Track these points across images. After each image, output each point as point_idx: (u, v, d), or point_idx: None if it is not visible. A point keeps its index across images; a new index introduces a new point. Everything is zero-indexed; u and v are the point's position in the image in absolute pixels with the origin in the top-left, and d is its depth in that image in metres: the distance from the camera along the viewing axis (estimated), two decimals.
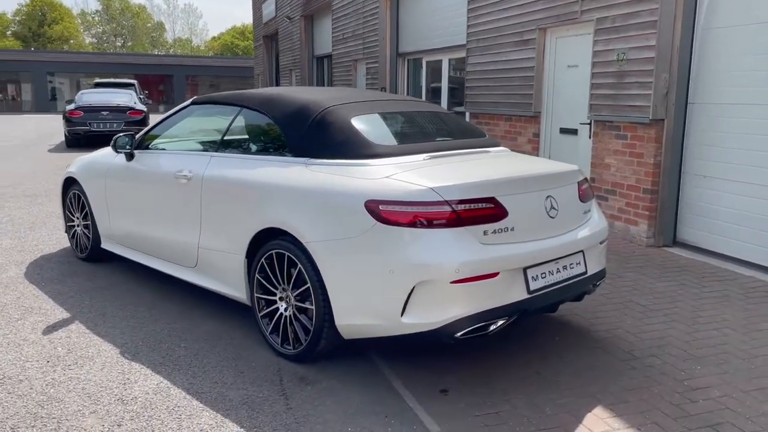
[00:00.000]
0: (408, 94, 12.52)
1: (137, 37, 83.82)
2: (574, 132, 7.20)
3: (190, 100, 4.73)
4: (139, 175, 4.66)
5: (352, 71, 14.58)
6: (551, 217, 3.39)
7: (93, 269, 5.22)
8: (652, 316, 4.24)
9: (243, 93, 4.35)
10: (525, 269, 3.21)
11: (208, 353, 3.63)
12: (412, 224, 3.01)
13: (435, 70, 11.27)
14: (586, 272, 3.56)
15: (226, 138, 4.21)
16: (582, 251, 3.54)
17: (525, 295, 3.20)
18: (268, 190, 3.60)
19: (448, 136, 4.15)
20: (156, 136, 4.80)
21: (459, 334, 3.05)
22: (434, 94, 11.41)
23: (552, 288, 3.33)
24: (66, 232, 5.73)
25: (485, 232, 3.10)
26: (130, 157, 4.79)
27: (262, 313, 3.68)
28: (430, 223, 3.01)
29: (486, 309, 3.07)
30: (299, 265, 3.36)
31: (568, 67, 7.24)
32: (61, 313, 4.23)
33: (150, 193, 4.53)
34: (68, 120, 15.43)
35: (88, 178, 5.26)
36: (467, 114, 9.33)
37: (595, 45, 6.51)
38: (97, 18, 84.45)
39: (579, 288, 3.54)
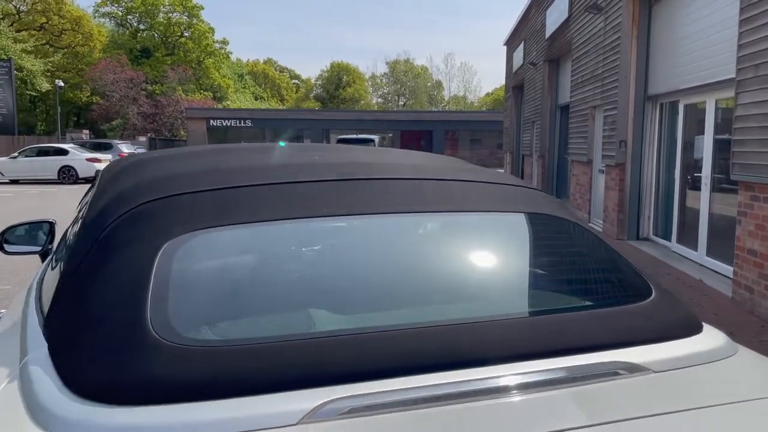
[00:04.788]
0: (661, 149, 9.11)
1: (417, 95, 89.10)
2: None
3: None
4: None
5: (588, 121, 11.57)
6: None
7: None
8: None
9: (112, 164, 2.19)
10: None
11: None
12: None
13: (699, 119, 7.88)
14: None
15: (59, 250, 2.07)
16: None
17: None
18: None
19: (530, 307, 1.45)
20: None
21: None
22: (692, 151, 7.98)
23: None
24: None
25: None
26: (44, 258, 2.93)
27: None
28: None
29: None
30: None
31: None
32: None
33: None
34: None
35: None
36: (738, 184, 5.89)
37: None
38: (384, 80, 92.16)
39: None
